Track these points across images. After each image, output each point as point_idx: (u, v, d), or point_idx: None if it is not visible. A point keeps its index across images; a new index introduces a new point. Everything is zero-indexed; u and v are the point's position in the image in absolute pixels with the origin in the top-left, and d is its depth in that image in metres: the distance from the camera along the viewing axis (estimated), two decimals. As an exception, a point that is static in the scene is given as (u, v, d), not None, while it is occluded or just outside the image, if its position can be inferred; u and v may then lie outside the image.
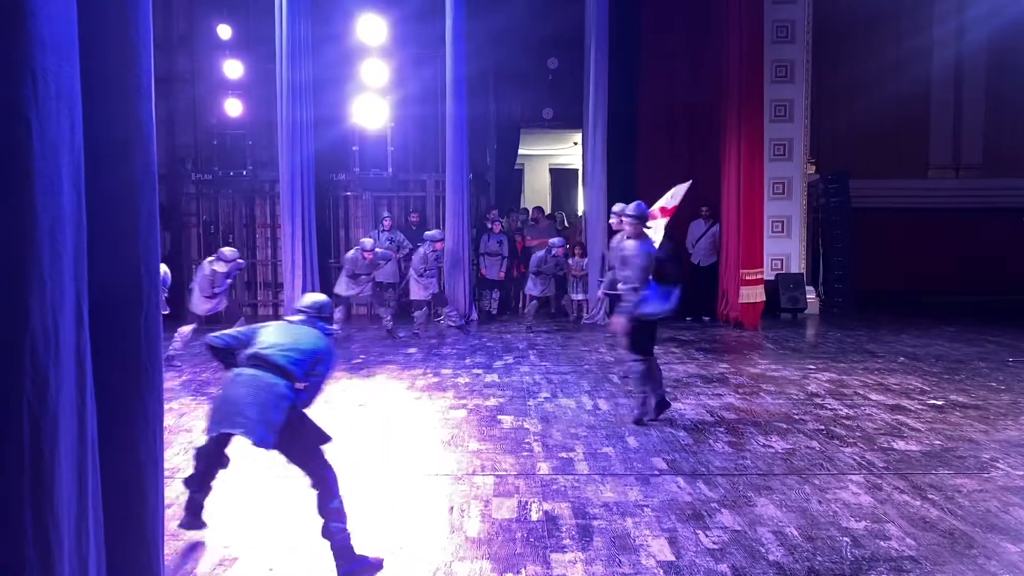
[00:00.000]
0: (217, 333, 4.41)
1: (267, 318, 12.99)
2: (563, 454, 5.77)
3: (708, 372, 8.71)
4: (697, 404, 7.21)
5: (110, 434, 1.86)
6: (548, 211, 16.29)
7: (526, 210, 14.40)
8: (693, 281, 12.38)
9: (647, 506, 4.74)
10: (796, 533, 4.34)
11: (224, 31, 13.12)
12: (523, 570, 3.91)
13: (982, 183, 15.11)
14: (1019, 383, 7.97)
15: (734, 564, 3.96)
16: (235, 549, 4.17)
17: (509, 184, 15.59)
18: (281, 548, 4.18)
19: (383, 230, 12.78)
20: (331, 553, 3.91)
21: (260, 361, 4.04)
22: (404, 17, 12.75)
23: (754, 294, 11.66)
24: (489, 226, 13.11)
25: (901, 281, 14.58)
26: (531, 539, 4.27)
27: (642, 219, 6.66)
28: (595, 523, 4.49)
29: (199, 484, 4.47)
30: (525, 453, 5.80)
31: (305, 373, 4.12)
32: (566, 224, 15.40)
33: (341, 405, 7.30)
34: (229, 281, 9.70)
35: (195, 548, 4.19)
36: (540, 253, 11.96)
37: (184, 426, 6.56)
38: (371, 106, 12.82)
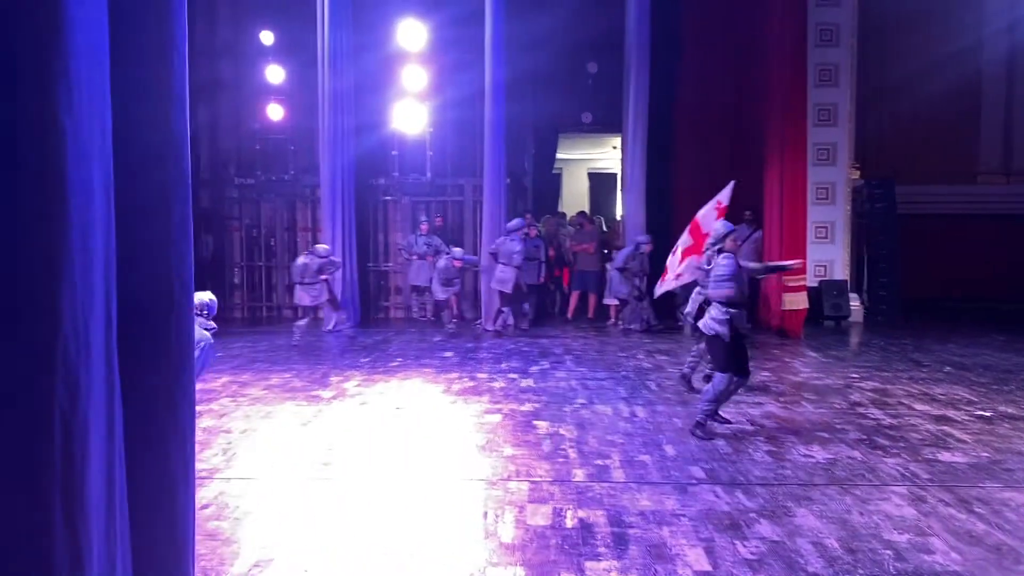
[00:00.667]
0: None
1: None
2: (599, 461, 5.73)
3: (749, 380, 8.55)
4: (737, 412, 7.09)
5: (140, 435, 1.89)
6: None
7: (563, 214, 14.35)
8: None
9: (684, 515, 4.68)
10: (836, 545, 4.25)
11: (267, 37, 13.32)
12: (557, 578, 3.88)
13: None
14: (1072, 394, 7.74)
15: (772, 575, 3.89)
16: (272, 551, 4.20)
17: (547, 188, 15.57)
18: (317, 550, 4.21)
19: (420, 234, 12.86)
20: None
21: None
22: (444, 22, 12.82)
23: (797, 301, 11.49)
24: (525, 231, 13.06)
25: (948, 289, 14.25)
26: (565, 546, 4.24)
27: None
28: (631, 531, 4.44)
29: None
30: (560, 459, 5.77)
31: None
32: (604, 228, 15.32)
33: (378, 408, 7.35)
34: (323, 277, 10.93)
35: (232, 549, 4.23)
36: (627, 249, 11.79)
37: (223, 427, 6.65)
38: (410, 111, 12.93)
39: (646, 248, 11.59)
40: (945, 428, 6.57)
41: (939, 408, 7.24)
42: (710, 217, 8.06)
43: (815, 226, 12.96)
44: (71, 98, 1.44)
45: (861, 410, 7.21)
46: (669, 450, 5.99)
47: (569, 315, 13.35)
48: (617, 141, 15.24)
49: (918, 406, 7.32)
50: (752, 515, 4.68)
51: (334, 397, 7.78)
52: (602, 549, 4.22)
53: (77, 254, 1.44)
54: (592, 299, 13.38)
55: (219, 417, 6.99)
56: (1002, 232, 14.45)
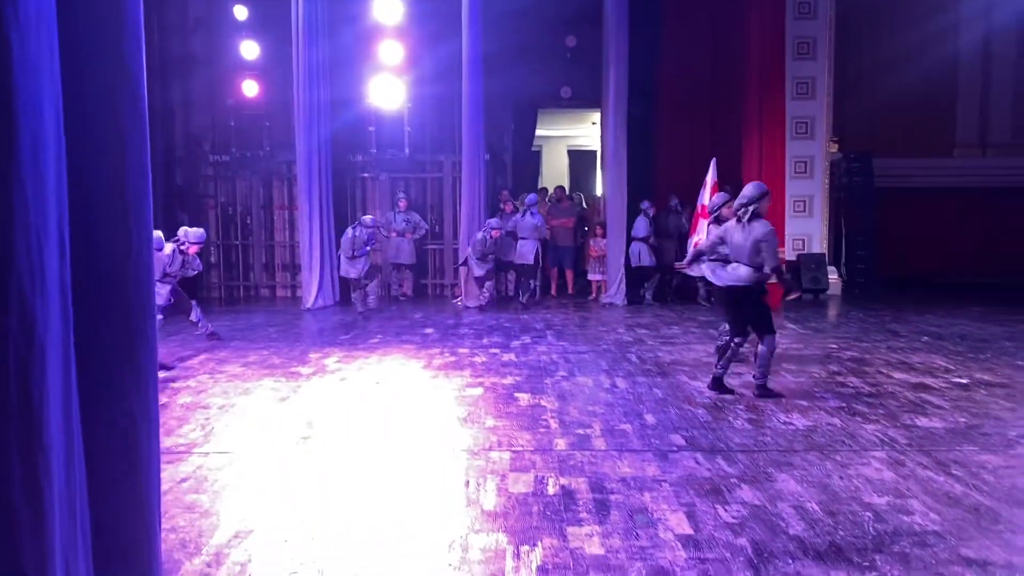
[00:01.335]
0: None
1: (285, 300, 13.07)
2: (580, 430, 5.73)
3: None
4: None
5: (99, 383, 1.83)
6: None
7: (545, 190, 14.28)
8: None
9: (665, 481, 4.69)
10: (817, 508, 4.28)
11: (240, 12, 13.11)
12: (539, 543, 3.88)
13: (1010, 161, 14.82)
14: (1047, 362, 7.83)
15: (754, 538, 3.90)
16: (251, 523, 4.16)
17: (527, 165, 15.48)
18: (298, 522, 4.18)
19: (399, 211, 12.77)
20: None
21: None
22: (420, -5, 12.66)
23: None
24: (501, 207, 13.04)
25: (925, 261, 14.38)
26: (548, 512, 4.24)
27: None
28: (612, 497, 4.45)
29: None
30: (542, 429, 5.76)
31: None
32: (584, 205, 15.30)
33: (358, 383, 7.31)
34: (368, 248, 11.27)
35: (211, 521, 4.19)
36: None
37: (202, 403, 6.58)
38: (388, 86, 12.79)
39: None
40: (923, 395, 6.63)
41: (917, 376, 7.30)
42: (706, 197, 8.46)
43: (793, 200, 13.02)
44: (17, 11, 1.37)
45: (840, 379, 7.27)
46: (649, 419, 6.00)
47: (553, 292, 13.35)
48: (596, 117, 15.17)
49: (896, 374, 7.38)
50: (733, 480, 4.70)
51: (313, 373, 7.73)
52: (584, 515, 4.22)
53: (28, 167, 1.37)
54: (569, 275, 13.36)
55: (197, 393, 6.92)
56: (979, 205, 14.56)
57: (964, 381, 7.10)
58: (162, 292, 8.17)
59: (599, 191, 16.16)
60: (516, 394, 6.81)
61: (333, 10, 12.51)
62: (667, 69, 13.46)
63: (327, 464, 5.09)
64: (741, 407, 6.35)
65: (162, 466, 3.13)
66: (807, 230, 13.24)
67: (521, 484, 4.66)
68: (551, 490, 4.57)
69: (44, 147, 1.43)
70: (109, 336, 1.86)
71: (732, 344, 6.75)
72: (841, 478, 4.73)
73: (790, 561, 3.67)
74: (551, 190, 14.37)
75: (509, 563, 3.68)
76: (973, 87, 15.33)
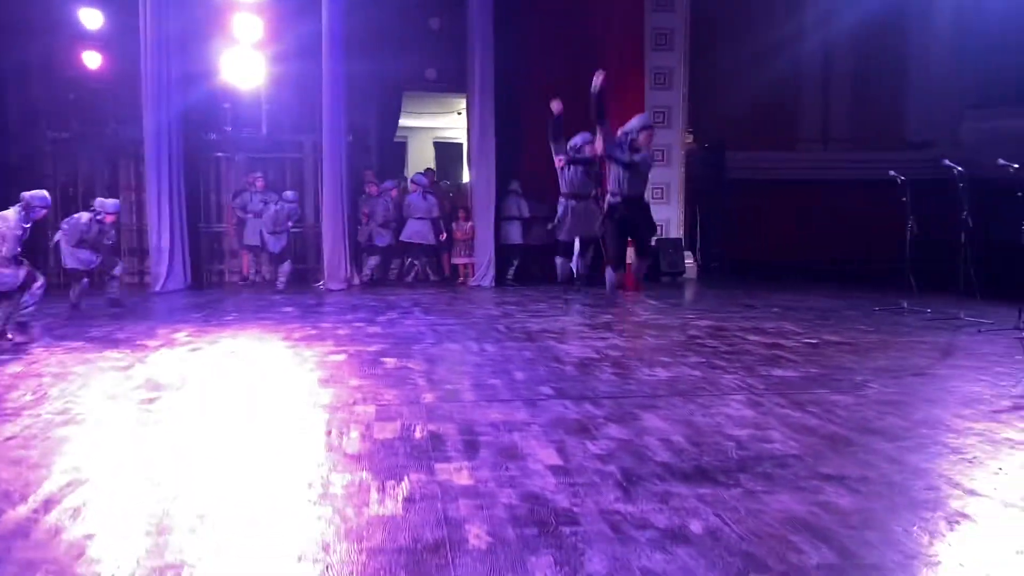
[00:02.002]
0: None
1: (132, 287, 12.26)
2: (448, 386, 5.62)
3: (593, 322, 8.74)
4: (583, 346, 7.19)
5: None
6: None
7: (432, 170, 14.05)
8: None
9: (534, 423, 4.64)
10: (682, 440, 4.32)
11: (80, -23, 12.21)
12: (406, 478, 3.72)
13: (849, 155, 15.81)
14: (885, 326, 8.33)
15: (622, 466, 3.89)
16: (86, 472, 3.79)
17: (391, 149, 15.21)
18: (141, 470, 3.83)
19: (255, 191, 12.24)
20: None
21: None
22: (279, -31, 12.19)
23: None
24: (365, 189, 12.76)
25: (775, 248, 15.06)
26: (415, 453, 4.09)
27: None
28: (482, 439, 4.34)
29: None
30: (409, 387, 5.60)
31: None
32: (450, 193, 15.18)
33: (211, 354, 6.90)
34: (289, 223, 11.69)
35: (40, 473, 3.77)
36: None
37: (34, 372, 6.02)
38: (244, 62, 12.23)
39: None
40: (776, 352, 6.90)
41: (770, 338, 7.59)
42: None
43: (652, 187, 13.31)
44: None
45: (699, 341, 7.46)
46: (519, 375, 5.95)
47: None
48: (463, 104, 15.08)
49: (751, 337, 7.66)
50: (600, 420, 4.70)
51: (162, 345, 7.23)
52: (453, 453, 4.10)
53: None
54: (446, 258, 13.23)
55: (29, 364, 6.33)
56: (821, 195, 15.41)
57: (814, 341, 7.44)
58: (80, 256, 9.19)
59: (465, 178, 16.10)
60: (382, 359, 6.60)
61: (184, -21, 11.86)
62: (531, 55, 13.50)
63: (173, 421, 4.74)
64: (607, 364, 6.40)
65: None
66: (665, 216, 13.58)
67: (387, 431, 4.49)
68: (418, 435, 4.42)
69: None
70: None
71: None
72: (704, 416, 4.82)
73: (658, 482, 3.67)
74: (425, 171, 14.20)
75: (374, 495, 3.50)
76: (815, 86, 16.27)
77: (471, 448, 4.18)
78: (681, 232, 13.76)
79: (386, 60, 13.01)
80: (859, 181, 15.16)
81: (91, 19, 12.28)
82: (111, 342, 7.37)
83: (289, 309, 9.72)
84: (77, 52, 12.30)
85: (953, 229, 8.89)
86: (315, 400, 5.22)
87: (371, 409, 4.98)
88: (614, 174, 8.88)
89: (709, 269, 14.03)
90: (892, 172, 9.35)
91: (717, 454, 4.09)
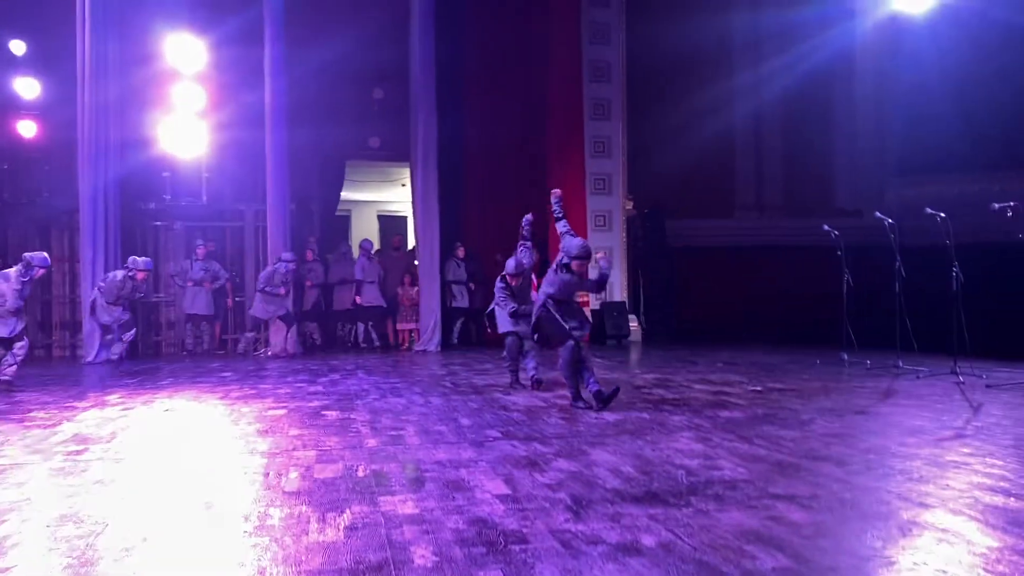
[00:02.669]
0: None
1: (63, 361, 11.84)
2: (393, 432, 5.48)
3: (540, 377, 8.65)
4: (530, 396, 7.14)
5: None
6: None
7: (368, 240, 13.93)
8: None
9: (482, 460, 4.53)
10: (632, 470, 4.26)
11: (18, 47, 12.16)
12: (347, 510, 3.57)
13: (784, 222, 16.29)
14: (827, 376, 8.44)
15: (572, 492, 3.81)
16: (5, 512, 3.54)
17: (334, 222, 15.19)
18: (55, 508, 3.61)
19: (196, 259, 12.04)
20: None
21: None
22: (223, 40, 12.28)
23: (581, 316, 11.82)
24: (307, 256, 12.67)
25: (718, 311, 15.25)
26: (357, 489, 3.94)
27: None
28: (427, 475, 4.22)
29: None
30: (352, 434, 5.45)
31: None
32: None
33: (144, 412, 6.64)
34: (283, 287, 11.53)
35: (-49, 517, 3.53)
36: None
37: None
38: (185, 131, 12.21)
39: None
40: (723, 397, 6.91)
41: (716, 387, 7.62)
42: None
43: (595, 251, 13.49)
44: None
45: (645, 390, 7.45)
46: (465, 421, 5.86)
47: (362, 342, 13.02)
48: (407, 175, 15.21)
49: (697, 386, 7.68)
50: (549, 456, 4.62)
51: (92, 406, 6.94)
52: (397, 487, 3.97)
53: None
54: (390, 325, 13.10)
55: (-55, 425, 5.99)
56: (758, 261, 15.78)
57: (759, 388, 7.49)
58: (114, 313, 10.01)
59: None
60: (323, 412, 6.44)
61: (125, 48, 11.86)
62: (474, 125, 13.78)
63: (101, 468, 4.50)
64: (554, 410, 6.36)
65: None
66: (609, 280, 13.73)
67: (328, 472, 4.34)
68: (361, 473, 4.28)
69: None
70: None
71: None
72: (653, 450, 4.77)
73: (609, 505, 3.60)
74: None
75: (313, 525, 3.35)
76: (748, 153, 16.85)
77: (416, 483, 4.06)
78: (625, 296, 13.90)
79: (329, 129, 13.12)
80: (795, 246, 15.62)
81: (27, 89, 12.17)
82: (38, 404, 7.04)
83: (227, 374, 9.46)
84: (11, 122, 12.14)
85: (886, 283, 9.15)
86: (252, 447, 5.03)
87: (311, 453, 4.81)
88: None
89: (654, 332, 14.13)
90: (826, 227, 9.63)
91: (667, 480, 4.03)
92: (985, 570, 2.77)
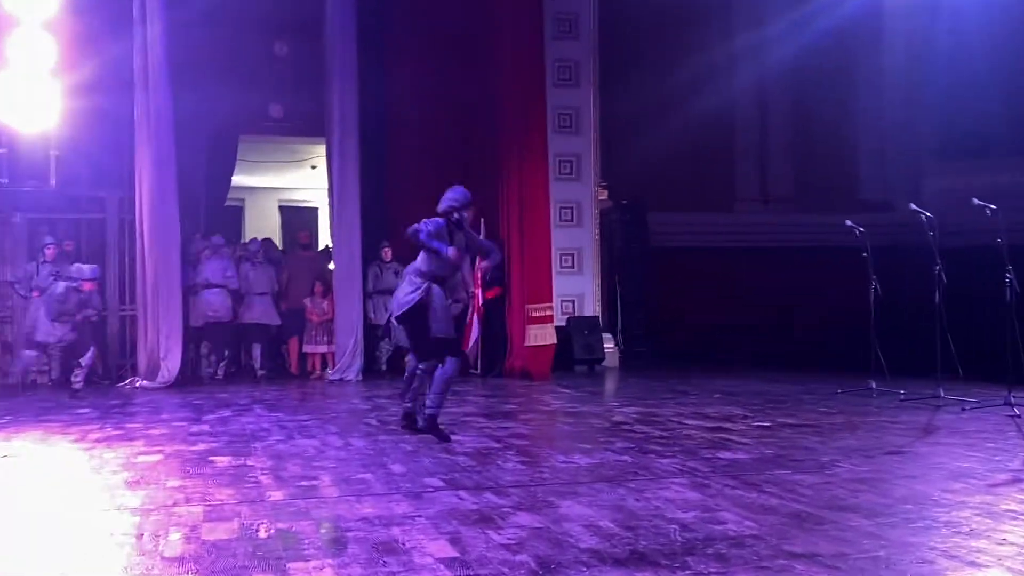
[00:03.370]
0: None
1: None
2: (304, 483, 5.44)
3: (492, 410, 8.74)
4: (480, 435, 7.18)
5: None
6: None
7: (256, 240, 13.77)
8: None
9: (420, 516, 4.52)
10: (612, 525, 4.29)
11: None
12: (248, 579, 3.53)
13: (796, 218, 16.57)
14: (851, 407, 8.61)
15: (538, 554, 3.82)
16: None
17: (223, 214, 15.02)
18: None
19: (44, 260, 11.80)
20: None
21: None
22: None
23: (543, 335, 11.90)
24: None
25: (712, 329, 15.44)
26: (259, 554, 3.90)
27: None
28: (350, 534, 4.20)
29: None
30: (250, 485, 5.40)
31: None
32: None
33: (-26, 459, 6.50)
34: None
35: None
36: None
37: None
38: (28, 96, 11.94)
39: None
40: (722, 435, 7.00)
41: (713, 423, 7.71)
42: None
43: (560, 253, 13.59)
44: None
45: (626, 428, 7.52)
46: (397, 468, 5.84)
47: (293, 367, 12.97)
48: (319, 155, 15.13)
49: (690, 421, 7.77)
50: (506, 510, 4.63)
51: (-97, 453, 6.76)
52: (311, 551, 3.93)
53: None
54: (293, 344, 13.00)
55: None
56: (763, 265, 16.00)
57: (766, 424, 7.60)
58: (56, 332, 10.54)
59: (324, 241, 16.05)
60: (211, 458, 6.36)
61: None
62: (408, 91, 13.73)
63: (-79, 532, 4.38)
64: (511, 452, 6.39)
65: None
66: (577, 289, 13.82)
67: (220, 532, 4.28)
68: (263, 534, 4.23)
69: None
70: None
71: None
72: (637, 500, 4.81)
73: (584, 569, 3.62)
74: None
75: (204, 599, 3.29)
76: (750, 132, 17.10)
77: (336, 545, 4.03)
78: (598, 310, 13.98)
79: (218, 94, 12.95)
80: (809, 247, 15.90)
81: None
82: None
83: (85, 410, 9.29)
84: None
85: (924, 294, 9.35)
86: (120, 502, 4.94)
87: (197, 509, 4.75)
88: None
89: (634, 355, 14.24)
90: (848, 223, 9.81)
91: (657, 538, 4.06)
92: (1054, 642, 2.85)
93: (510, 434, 7.21)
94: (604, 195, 14.64)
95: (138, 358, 11.79)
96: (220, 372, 12.44)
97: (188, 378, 12.14)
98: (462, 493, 5.04)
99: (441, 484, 5.30)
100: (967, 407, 8.34)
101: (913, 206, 9.22)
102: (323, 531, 4.29)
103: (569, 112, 14.03)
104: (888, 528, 4.21)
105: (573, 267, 13.89)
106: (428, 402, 6.98)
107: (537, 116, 13.08)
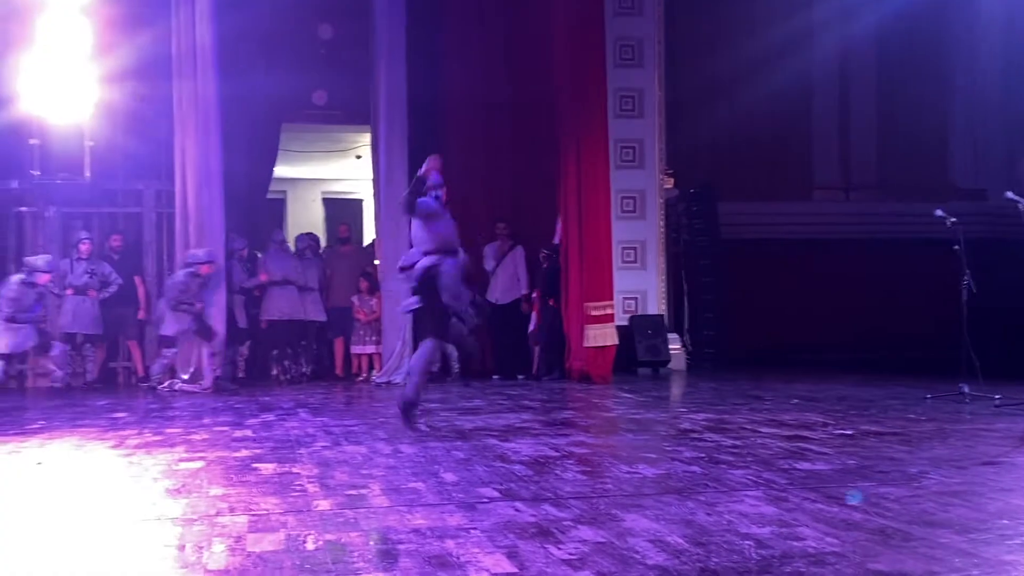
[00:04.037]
0: None
1: None
2: (352, 491, 5.54)
3: (549, 418, 8.79)
4: (536, 443, 7.22)
5: None
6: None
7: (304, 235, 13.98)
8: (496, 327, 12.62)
9: (474, 528, 4.58)
10: (681, 541, 4.30)
11: None
12: (296, 594, 3.61)
13: (881, 208, 16.36)
14: (942, 414, 8.52)
15: (601, 571, 3.85)
16: None
17: (264, 207, 15.21)
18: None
19: (78, 257, 12.07)
20: None
21: None
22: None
23: (603, 335, 11.90)
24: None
25: (788, 328, 15.30)
26: (307, 566, 3.98)
27: None
28: (400, 547, 4.26)
29: None
30: (296, 493, 5.50)
31: None
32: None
33: (8, 466, 6.71)
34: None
35: None
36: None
37: None
38: (62, 84, 12.20)
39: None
40: (800, 444, 6.97)
41: (790, 431, 7.68)
42: None
43: (621, 247, 13.54)
44: None
45: (695, 436, 7.52)
46: (449, 477, 5.91)
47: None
48: (364, 144, 15.28)
49: (764, 429, 7.74)
50: (567, 523, 4.67)
51: (-64, 458, 6.98)
52: (361, 564, 4.01)
53: None
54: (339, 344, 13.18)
55: None
56: (844, 259, 15.83)
57: (848, 432, 7.56)
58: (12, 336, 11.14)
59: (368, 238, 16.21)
60: (255, 464, 6.49)
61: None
62: (458, 75, 13.79)
63: (-43, 541, 4.53)
64: (571, 462, 6.44)
65: None
66: (640, 286, 13.77)
67: (267, 543, 4.38)
68: (311, 546, 4.31)
69: None
70: None
71: None
72: (708, 514, 4.81)
73: (652, 587, 3.63)
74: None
75: (250, 614, 3.37)
76: (830, 114, 16.89)
77: (387, 558, 4.10)
78: (663, 308, 13.94)
79: (259, 81, 13.14)
80: (895, 239, 15.71)
81: None
82: None
83: (121, 414, 9.52)
84: None
85: (1022, 291, 9.22)
86: (161, 512, 5.06)
87: (241, 520, 4.85)
88: None
89: (702, 357, 14.18)
90: (939, 212, 9.67)
91: (730, 555, 4.06)
92: None
93: (569, 442, 7.25)
94: (670, 183, 14.58)
95: (178, 359, 12.00)
96: (292, 373, 12.71)
97: (254, 380, 12.57)
98: (519, 504, 5.08)
99: (496, 495, 5.35)
100: (1071, 414, 8.22)
101: (1010, 194, 9.09)
102: (373, 543, 4.36)
103: (632, 94, 13.99)
104: (982, 545, 4.18)
105: (635, 262, 13.85)
106: (408, 387, 7.86)
107: (597, 99, 13.04)
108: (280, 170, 15.88)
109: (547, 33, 13.26)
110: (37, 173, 12.69)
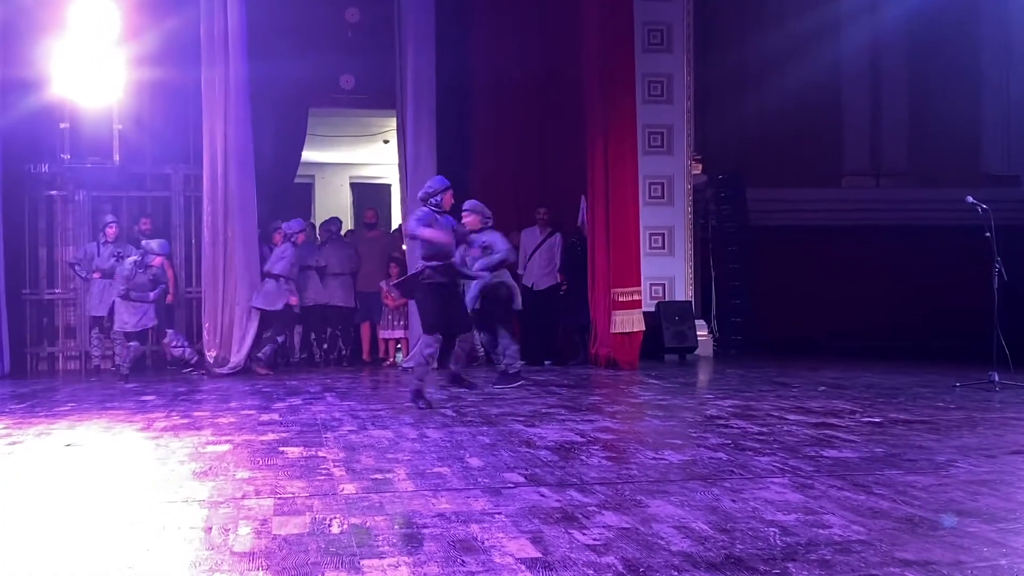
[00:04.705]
0: None
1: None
2: (377, 476, 5.57)
3: (575, 403, 8.79)
4: (562, 428, 7.23)
5: None
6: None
7: (335, 219, 14.04)
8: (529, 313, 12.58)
9: (499, 513, 4.59)
10: (706, 527, 4.30)
11: None
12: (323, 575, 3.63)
13: (911, 194, 16.24)
14: (971, 402, 8.47)
15: (625, 557, 3.84)
16: None
17: (291, 193, 15.25)
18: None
19: (105, 241, 12.15)
20: None
21: None
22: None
23: (630, 321, 11.88)
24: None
25: (816, 315, 15.24)
26: (332, 549, 4.00)
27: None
28: (426, 531, 4.28)
29: None
30: (321, 477, 5.54)
31: None
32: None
33: (39, 448, 6.80)
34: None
35: None
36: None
37: None
38: (90, 67, 12.27)
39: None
40: (827, 432, 6.95)
41: (817, 418, 7.65)
42: None
43: (649, 232, 13.53)
44: None
45: (721, 422, 7.51)
46: (474, 462, 5.93)
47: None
48: (391, 128, 15.28)
49: (791, 416, 7.72)
50: (591, 509, 4.67)
51: (-33, 439, 7.07)
52: (386, 548, 4.03)
53: None
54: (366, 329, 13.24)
55: None
56: (873, 245, 15.73)
57: (877, 420, 7.52)
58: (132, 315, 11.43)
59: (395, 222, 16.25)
60: (282, 448, 6.54)
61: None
62: (486, 59, 13.81)
63: (-13, 521, 4.59)
64: (596, 447, 6.45)
65: None
66: (667, 272, 13.75)
67: (292, 527, 4.40)
68: (336, 529, 4.34)
69: None
70: None
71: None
72: (734, 501, 4.80)
73: (675, 573, 3.64)
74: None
75: (275, 596, 3.39)
76: (861, 99, 16.78)
77: (411, 542, 4.11)
78: (691, 294, 13.91)
79: (287, 65, 13.15)
80: (925, 226, 15.59)
81: None
82: None
83: (150, 397, 9.61)
84: None
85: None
86: (188, 494, 5.10)
87: (267, 503, 4.88)
88: None
89: (730, 343, 14.15)
90: (970, 199, 9.59)
91: (755, 541, 4.06)
92: None
93: (595, 428, 7.27)
94: (698, 169, 14.55)
95: (205, 343, 12.08)
96: (334, 356, 12.95)
97: (299, 364, 12.86)
98: (544, 490, 5.09)
99: (521, 480, 5.37)
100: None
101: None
102: (398, 527, 4.38)
103: (660, 79, 13.96)
104: (1011, 535, 4.15)
105: (663, 248, 13.84)
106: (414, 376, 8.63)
107: (625, 84, 12.98)
108: (308, 155, 15.94)
109: (576, 17, 13.23)
110: (67, 157, 12.80)
